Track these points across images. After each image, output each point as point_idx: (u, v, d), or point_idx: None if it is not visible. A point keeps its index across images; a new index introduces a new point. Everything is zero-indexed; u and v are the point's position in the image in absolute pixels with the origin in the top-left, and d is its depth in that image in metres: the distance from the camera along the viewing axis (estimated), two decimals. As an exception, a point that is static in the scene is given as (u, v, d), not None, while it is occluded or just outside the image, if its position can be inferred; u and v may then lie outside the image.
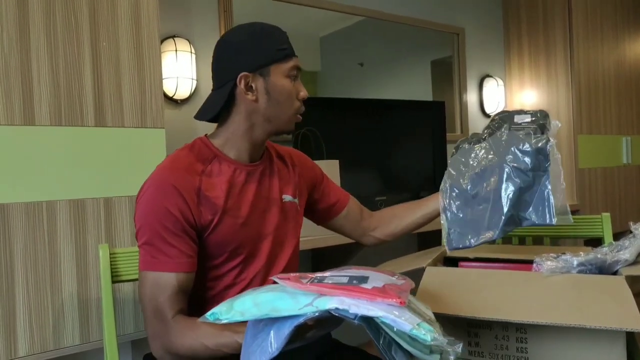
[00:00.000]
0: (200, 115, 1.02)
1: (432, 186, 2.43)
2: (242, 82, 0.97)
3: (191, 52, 1.94)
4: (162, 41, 1.88)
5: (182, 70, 1.91)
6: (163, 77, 1.63)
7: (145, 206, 0.92)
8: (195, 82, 1.97)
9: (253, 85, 0.97)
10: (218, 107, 0.99)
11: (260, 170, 1.05)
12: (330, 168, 1.78)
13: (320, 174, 1.22)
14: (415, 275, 1.08)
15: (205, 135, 1.05)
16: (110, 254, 1.16)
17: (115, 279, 1.16)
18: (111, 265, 1.15)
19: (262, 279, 1.02)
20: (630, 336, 0.85)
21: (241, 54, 0.97)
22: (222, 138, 1.02)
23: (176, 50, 1.89)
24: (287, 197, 1.08)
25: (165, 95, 1.89)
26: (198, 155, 0.99)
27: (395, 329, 0.60)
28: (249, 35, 0.98)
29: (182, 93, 1.94)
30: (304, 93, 1.02)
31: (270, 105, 0.99)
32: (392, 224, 1.28)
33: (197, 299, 0.97)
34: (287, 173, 1.11)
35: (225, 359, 0.84)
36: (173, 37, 1.92)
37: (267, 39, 0.99)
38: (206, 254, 0.97)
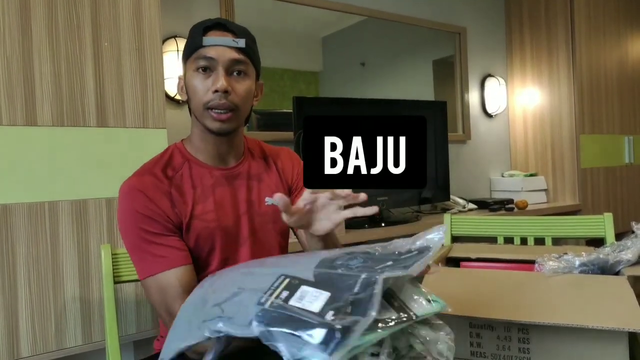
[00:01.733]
0: None
1: (433, 186, 2.43)
2: (179, 84, 1.02)
3: (193, 53, 1.94)
4: (163, 41, 1.88)
5: (183, 70, 1.91)
6: (165, 77, 1.63)
7: (121, 217, 0.93)
8: (196, 83, 1.97)
9: (184, 86, 1.00)
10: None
11: (235, 173, 1.03)
12: (331, 168, 1.77)
13: (299, 179, 1.14)
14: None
15: (182, 140, 1.06)
16: (112, 254, 1.16)
17: (118, 279, 1.16)
18: (113, 265, 1.16)
19: None
20: (632, 337, 0.85)
21: None
22: (189, 141, 1.03)
23: (178, 51, 1.90)
24: (269, 200, 1.06)
25: (167, 96, 1.90)
26: (168, 162, 1.00)
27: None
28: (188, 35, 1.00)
29: (184, 93, 1.94)
30: (213, 87, 0.92)
31: (190, 102, 0.99)
32: None
33: None
34: (268, 175, 1.08)
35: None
36: (175, 37, 1.92)
37: (189, 35, 0.99)
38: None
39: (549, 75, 2.96)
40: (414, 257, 0.60)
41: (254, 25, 2.23)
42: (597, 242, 1.40)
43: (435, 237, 0.64)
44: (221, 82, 0.92)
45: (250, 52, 0.97)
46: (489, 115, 3.08)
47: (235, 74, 0.96)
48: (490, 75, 3.06)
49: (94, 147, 1.45)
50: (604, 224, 1.49)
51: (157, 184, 0.94)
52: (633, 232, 1.11)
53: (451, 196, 2.57)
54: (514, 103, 3.16)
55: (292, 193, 1.12)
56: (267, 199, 1.03)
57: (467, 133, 2.95)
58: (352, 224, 2.08)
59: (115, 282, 1.15)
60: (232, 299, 0.57)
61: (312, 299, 0.51)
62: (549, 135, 2.98)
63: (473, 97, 3.01)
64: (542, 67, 3.00)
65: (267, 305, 0.52)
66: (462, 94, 2.94)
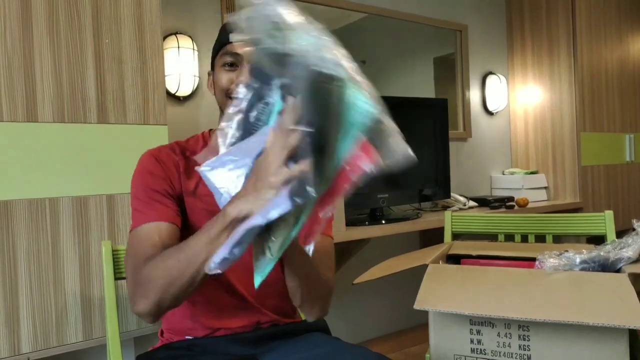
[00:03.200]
0: None
1: (434, 183, 2.43)
2: (208, 81, 1.04)
3: (194, 49, 1.94)
4: (164, 38, 1.88)
5: (184, 67, 1.91)
6: (165, 74, 1.63)
7: (133, 178, 0.96)
8: (197, 79, 1.97)
9: (213, 82, 1.02)
10: None
11: None
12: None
13: None
14: (418, 272, 1.08)
15: (210, 129, 1.07)
16: (112, 250, 1.16)
17: (118, 275, 1.16)
18: (114, 262, 1.16)
19: (244, 273, 0.98)
20: (633, 333, 0.85)
21: None
22: (215, 132, 1.03)
23: (179, 47, 1.89)
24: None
25: (168, 93, 1.89)
26: (190, 146, 1.02)
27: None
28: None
29: (185, 90, 1.94)
30: (238, 79, 0.92)
31: (217, 96, 1.01)
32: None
33: None
34: None
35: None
36: (175, 33, 1.92)
37: (219, 34, 1.00)
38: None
39: (550, 73, 2.96)
40: None
41: (254, 22, 2.22)
42: (597, 240, 1.40)
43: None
44: (245, 76, 0.93)
45: None
46: (490, 113, 3.08)
47: None
48: (491, 73, 3.06)
49: (94, 144, 1.45)
50: (604, 222, 1.48)
51: (172, 156, 0.98)
52: (634, 229, 1.11)
53: (452, 194, 2.57)
54: (515, 101, 3.15)
55: None
56: None
57: (467, 131, 2.95)
58: (352, 221, 2.08)
59: (116, 279, 1.16)
60: None
61: None
62: (549, 133, 2.98)
63: (474, 95, 3.01)
64: (543, 65, 2.99)
65: None
66: (463, 92, 2.94)
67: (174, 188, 0.95)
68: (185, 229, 0.96)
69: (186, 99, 1.98)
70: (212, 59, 1.02)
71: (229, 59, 0.96)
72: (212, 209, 0.95)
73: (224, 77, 0.96)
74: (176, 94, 1.93)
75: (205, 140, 1.04)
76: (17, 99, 1.34)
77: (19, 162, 1.35)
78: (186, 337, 1.00)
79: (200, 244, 0.73)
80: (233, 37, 0.70)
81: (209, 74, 1.04)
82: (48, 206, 1.39)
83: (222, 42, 0.97)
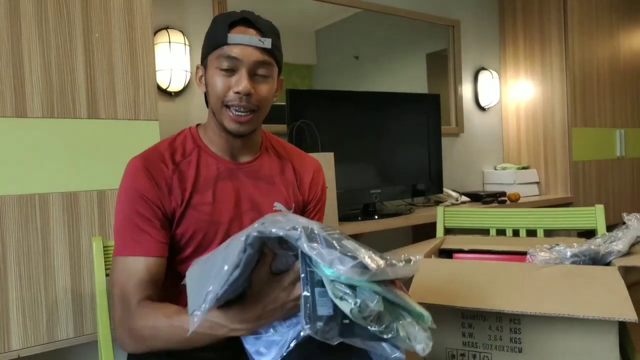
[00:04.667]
0: None
1: (426, 179, 2.44)
2: (197, 73, 0.99)
3: (185, 44, 1.93)
4: (155, 32, 1.87)
5: (175, 62, 1.89)
6: (156, 69, 1.62)
7: (120, 192, 0.93)
8: (189, 74, 1.95)
9: (203, 77, 0.98)
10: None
11: (244, 170, 1.00)
12: (325, 161, 1.77)
13: (316, 201, 1.09)
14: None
15: (197, 125, 1.04)
16: (103, 246, 1.16)
17: (109, 271, 1.16)
18: (105, 258, 1.15)
19: None
20: (622, 326, 0.86)
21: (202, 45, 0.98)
22: (204, 129, 1.01)
23: (170, 42, 1.88)
24: (279, 205, 1.03)
25: (159, 88, 1.88)
26: (179, 146, 0.98)
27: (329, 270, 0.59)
28: (210, 25, 0.98)
29: (176, 85, 1.93)
30: (235, 88, 0.90)
31: (209, 97, 0.97)
32: None
33: (171, 296, 0.95)
34: (281, 179, 1.04)
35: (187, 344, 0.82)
36: (166, 28, 1.91)
37: (213, 27, 0.95)
38: (175, 248, 0.96)
39: (542, 69, 2.97)
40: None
41: (246, 17, 2.21)
42: (588, 234, 1.41)
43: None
44: (244, 85, 0.90)
45: (275, 52, 0.94)
46: (482, 109, 3.09)
47: (259, 74, 0.93)
48: (483, 69, 3.06)
49: (84, 139, 1.44)
50: (595, 216, 1.50)
51: (162, 169, 0.93)
52: (624, 223, 1.12)
53: (444, 189, 2.58)
54: (507, 96, 3.16)
55: (305, 210, 1.08)
56: (276, 203, 1.00)
57: (460, 126, 2.96)
58: (344, 216, 2.08)
59: (107, 275, 1.15)
60: None
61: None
62: (541, 128, 2.99)
63: (466, 90, 3.02)
64: (534, 61, 3.01)
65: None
66: (456, 87, 2.94)
67: (164, 210, 0.92)
68: (183, 238, 0.94)
69: (177, 94, 1.97)
70: (204, 54, 0.97)
71: (225, 64, 0.91)
72: (207, 218, 0.94)
73: (220, 82, 0.91)
74: (167, 89, 1.92)
75: (193, 137, 1.00)
76: (5, 93, 1.33)
77: (8, 158, 1.33)
78: None
79: (204, 339, 0.79)
80: None
81: (197, 67, 1.00)
82: (38, 202, 1.38)
83: (218, 41, 0.92)
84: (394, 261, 0.64)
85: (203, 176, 0.96)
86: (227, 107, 0.92)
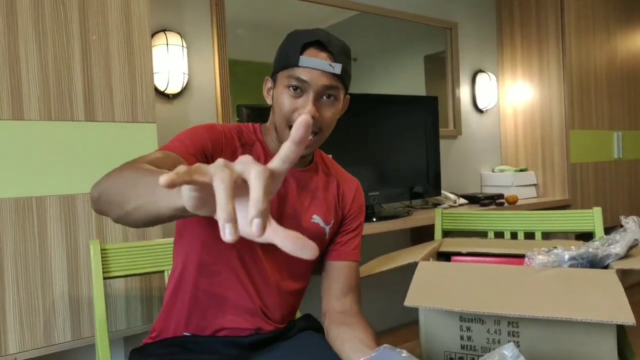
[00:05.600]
0: None
1: (424, 181, 2.44)
2: (266, 85, 1.00)
3: (182, 46, 1.93)
4: (152, 35, 1.86)
5: (173, 64, 1.89)
6: (154, 71, 1.62)
7: (184, 132, 0.91)
8: (187, 77, 1.95)
9: (272, 90, 0.98)
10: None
11: (295, 177, 1.01)
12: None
13: (354, 216, 1.10)
14: (409, 269, 1.08)
15: (260, 124, 1.04)
16: (101, 249, 1.15)
17: (107, 275, 1.15)
18: (102, 261, 1.15)
19: (258, 276, 0.98)
20: (620, 329, 0.86)
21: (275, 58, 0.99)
22: (267, 131, 1.02)
23: (167, 44, 1.88)
24: (317, 219, 1.02)
25: (157, 90, 1.88)
26: (246, 133, 1.00)
27: None
28: (284, 39, 0.98)
29: (174, 87, 1.92)
30: (301, 110, 0.90)
31: (273, 113, 0.98)
32: (345, 341, 0.96)
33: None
34: (324, 194, 1.05)
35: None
36: (164, 30, 1.90)
37: (286, 44, 0.95)
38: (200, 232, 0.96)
39: (539, 71, 2.97)
40: None
41: (244, 19, 2.21)
42: (586, 237, 1.41)
43: None
44: (309, 108, 0.90)
45: (345, 76, 0.95)
46: (480, 111, 3.09)
47: (325, 97, 0.93)
48: (481, 71, 3.07)
49: (82, 142, 1.44)
50: (593, 219, 1.50)
51: (233, 138, 0.96)
52: (622, 226, 1.12)
53: (442, 191, 2.58)
54: (505, 98, 3.17)
55: (342, 224, 1.09)
56: (314, 216, 1.01)
57: (458, 128, 2.96)
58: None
59: (105, 278, 1.15)
60: None
61: None
62: (539, 130, 2.99)
63: (464, 93, 3.02)
64: (532, 63, 3.01)
65: None
66: (453, 90, 2.95)
67: (208, 152, 0.90)
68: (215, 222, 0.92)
69: (175, 96, 1.96)
70: (276, 69, 0.97)
71: (294, 83, 0.92)
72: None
73: (287, 101, 0.92)
74: (165, 92, 1.92)
75: (256, 132, 1.00)
76: (2, 96, 1.32)
77: (5, 161, 1.33)
78: (184, 333, 0.99)
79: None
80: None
81: (266, 79, 1.00)
82: (35, 205, 1.37)
83: (290, 61, 0.92)
84: None
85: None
86: (291, 127, 0.93)
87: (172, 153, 0.83)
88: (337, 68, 0.91)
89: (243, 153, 0.95)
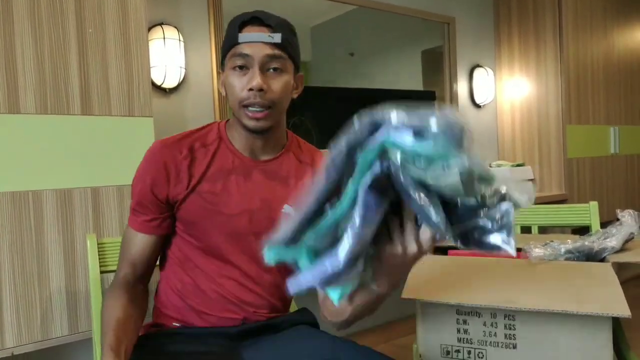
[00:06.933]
0: None
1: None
2: (220, 80, 1.01)
3: (179, 40, 1.92)
4: (149, 28, 1.86)
5: (170, 58, 1.88)
6: (151, 65, 1.61)
7: (137, 172, 0.99)
8: (184, 71, 1.94)
9: (224, 81, 0.99)
10: None
11: (261, 168, 1.00)
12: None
13: None
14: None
15: (227, 120, 1.05)
16: (98, 244, 1.15)
17: (104, 269, 1.15)
18: (99, 255, 1.15)
19: (235, 279, 0.98)
20: (616, 321, 0.87)
21: None
22: (230, 126, 1.02)
23: (164, 38, 1.87)
24: (289, 208, 1.00)
25: (154, 84, 1.87)
26: (202, 135, 1.00)
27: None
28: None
29: (171, 82, 1.92)
30: (248, 85, 0.91)
31: (227, 98, 0.99)
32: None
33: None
34: (296, 181, 1.02)
35: None
36: (161, 24, 1.89)
37: (227, 31, 0.96)
38: (181, 229, 1.00)
39: (537, 66, 2.98)
40: None
41: (241, 12, 2.20)
42: (582, 231, 1.42)
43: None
44: (256, 81, 0.91)
45: (287, 46, 0.95)
46: (477, 106, 3.09)
47: (271, 70, 0.94)
48: (478, 66, 3.07)
49: (78, 136, 1.43)
50: (589, 213, 1.50)
51: (175, 155, 0.96)
52: (618, 220, 1.13)
53: (439, 186, 2.58)
54: (502, 93, 3.17)
55: None
56: (285, 206, 0.98)
57: (455, 123, 2.96)
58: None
59: (101, 272, 1.15)
60: None
61: None
62: (536, 125, 3.00)
63: (461, 88, 3.02)
64: (529, 58, 3.01)
65: None
66: (451, 84, 2.95)
67: (167, 193, 0.96)
68: (188, 223, 0.97)
69: (172, 90, 1.96)
70: (222, 58, 0.98)
71: (238, 62, 0.92)
72: (211, 207, 0.95)
73: (235, 82, 0.93)
74: (162, 86, 1.91)
75: (219, 130, 1.01)
76: (-2, 89, 1.32)
77: (1, 155, 1.32)
78: (174, 323, 1.00)
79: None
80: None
81: (218, 73, 1.01)
82: (31, 199, 1.37)
83: (231, 42, 0.93)
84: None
85: (216, 167, 0.98)
86: (245, 106, 0.93)
87: (136, 240, 0.98)
88: (277, 37, 0.92)
89: (191, 159, 0.97)
